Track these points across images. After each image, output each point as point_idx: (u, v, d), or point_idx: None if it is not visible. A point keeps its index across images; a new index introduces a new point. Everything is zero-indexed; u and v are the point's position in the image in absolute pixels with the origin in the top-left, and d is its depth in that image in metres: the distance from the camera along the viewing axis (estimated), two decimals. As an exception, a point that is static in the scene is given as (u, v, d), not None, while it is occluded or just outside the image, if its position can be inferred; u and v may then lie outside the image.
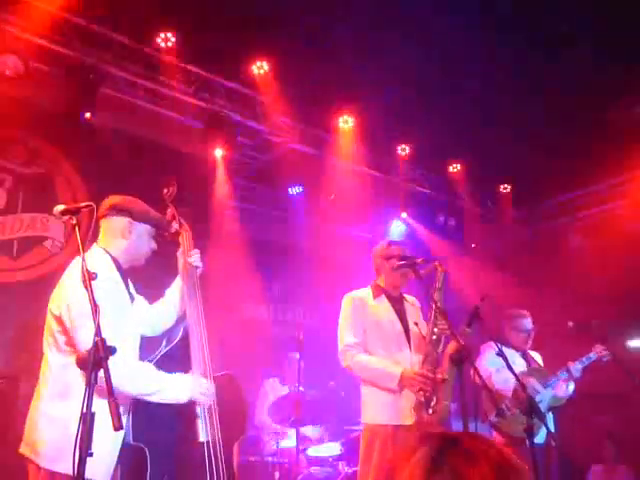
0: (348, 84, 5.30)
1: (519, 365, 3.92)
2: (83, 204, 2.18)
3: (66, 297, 2.30)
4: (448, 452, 0.90)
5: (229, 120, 5.70)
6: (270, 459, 4.94)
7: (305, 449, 5.09)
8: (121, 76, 5.20)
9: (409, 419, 3.10)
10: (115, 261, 2.53)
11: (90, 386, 1.75)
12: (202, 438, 2.40)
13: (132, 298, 2.60)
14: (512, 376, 3.66)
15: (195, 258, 2.76)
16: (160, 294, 2.85)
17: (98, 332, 1.83)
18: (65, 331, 2.29)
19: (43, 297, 2.50)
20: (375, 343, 3.29)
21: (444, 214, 7.41)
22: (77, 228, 2.10)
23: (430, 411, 3.03)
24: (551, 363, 4.19)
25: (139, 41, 5.10)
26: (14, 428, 2.56)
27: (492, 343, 3.89)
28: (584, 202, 7.17)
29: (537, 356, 4.25)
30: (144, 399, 2.34)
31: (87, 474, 1.69)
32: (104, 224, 2.57)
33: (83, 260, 2.01)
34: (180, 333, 2.58)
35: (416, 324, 3.26)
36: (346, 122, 6.21)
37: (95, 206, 2.18)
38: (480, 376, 2.73)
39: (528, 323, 4.14)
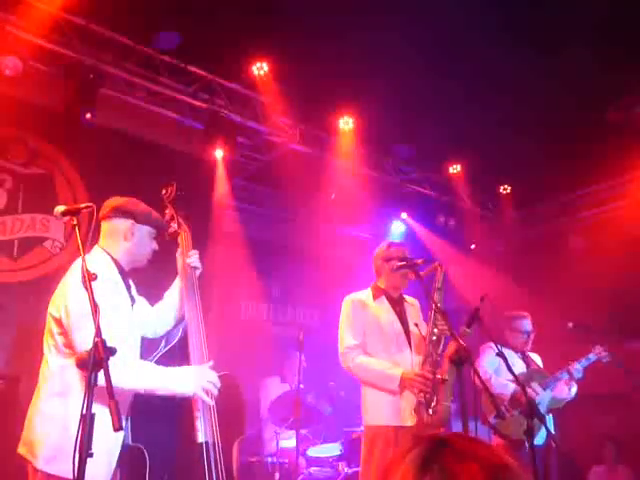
0: (348, 85, 5.30)
1: (518, 367, 3.91)
2: (83, 205, 2.18)
3: (65, 298, 2.30)
4: (438, 453, 0.91)
5: (229, 121, 5.70)
6: (270, 459, 4.94)
7: (305, 450, 5.09)
8: (121, 76, 5.20)
9: (410, 420, 3.10)
10: (116, 262, 2.53)
11: (90, 387, 1.75)
12: (201, 439, 2.39)
13: (133, 300, 2.59)
14: (511, 380, 3.68)
15: (194, 259, 2.75)
16: (160, 294, 2.85)
17: (98, 333, 1.83)
18: (64, 332, 2.29)
19: (43, 298, 2.50)
20: (375, 344, 3.29)
21: (444, 215, 7.41)
22: (77, 229, 2.10)
23: (430, 412, 3.03)
24: (551, 364, 4.19)
25: (139, 41, 5.10)
26: (14, 429, 2.55)
27: (491, 344, 3.89)
28: (584, 203, 7.17)
29: (536, 357, 4.25)
30: (147, 396, 2.33)
31: (86, 475, 1.69)
32: (106, 226, 2.57)
33: (83, 261, 2.01)
34: (179, 334, 2.59)
35: (416, 325, 3.26)
36: (346, 123, 6.21)
37: (95, 207, 2.18)
38: (480, 378, 2.72)
39: (527, 324, 4.14)
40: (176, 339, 2.58)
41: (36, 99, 5.13)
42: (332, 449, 5.13)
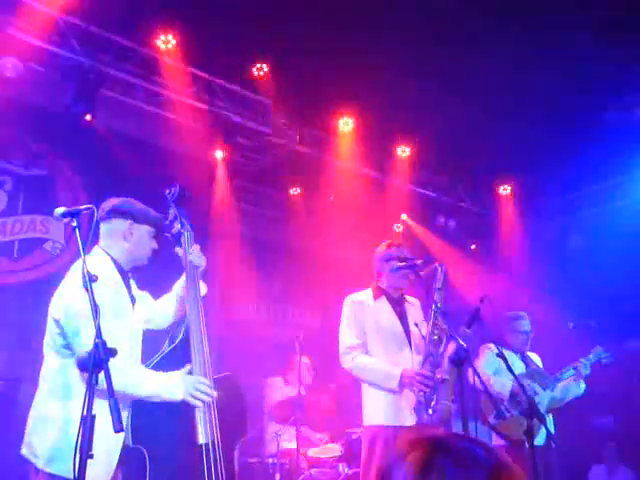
0: (348, 86, 5.31)
1: (518, 367, 3.91)
2: (83, 206, 2.18)
3: (65, 299, 2.31)
4: (438, 455, 0.91)
5: (229, 121, 5.70)
6: (270, 460, 4.94)
7: (306, 450, 5.09)
8: (121, 78, 5.20)
9: (410, 420, 3.10)
10: (116, 263, 2.53)
11: (90, 388, 1.75)
12: (202, 440, 2.39)
13: (133, 300, 2.60)
14: (510, 381, 3.68)
15: (196, 255, 2.75)
16: (162, 294, 2.86)
17: (98, 334, 1.83)
18: (64, 333, 2.30)
19: (43, 299, 2.51)
20: (376, 344, 3.30)
21: (444, 215, 7.41)
22: (77, 230, 2.10)
23: (430, 411, 3.04)
24: (551, 364, 4.19)
25: (139, 43, 5.10)
26: (15, 430, 2.55)
27: (490, 345, 3.89)
28: (584, 202, 7.17)
29: (536, 357, 4.24)
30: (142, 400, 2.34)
31: (87, 476, 1.69)
32: (105, 227, 2.57)
33: (84, 262, 2.01)
34: (182, 333, 2.59)
35: (416, 325, 3.26)
36: (346, 124, 6.22)
37: (95, 208, 2.18)
38: (480, 378, 2.73)
39: (527, 324, 4.14)
40: (179, 339, 2.58)
41: (36, 100, 5.14)
42: (332, 450, 5.13)
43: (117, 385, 2.20)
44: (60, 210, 2.16)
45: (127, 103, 5.43)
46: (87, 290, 1.94)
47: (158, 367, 2.45)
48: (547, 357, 4.31)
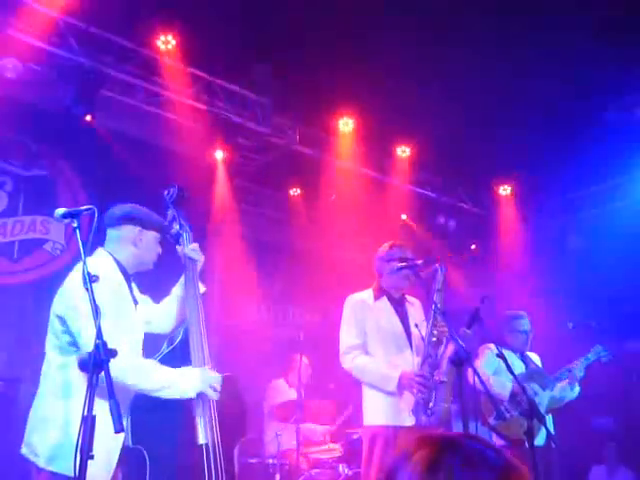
0: (348, 86, 5.30)
1: (518, 367, 3.91)
2: (83, 207, 2.19)
3: (70, 298, 2.32)
4: (446, 454, 0.90)
5: (229, 122, 5.70)
6: (271, 461, 4.94)
7: (306, 451, 5.09)
8: (121, 78, 5.21)
9: (409, 421, 3.10)
10: (120, 266, 2.55)
11: (91, 388, 1.76)
12: (202, 440, 2.40)
13: (136, 302, 2.61)
14: (509, 381, 3.68)
15: (194, 248, 2.76)
16: (161, 295, 2.86)
17: (99, 334, 1.84)
18: (69, 332, 2.31)
19: (43, 299, 2.51)
20: (376, 345, 3.30)
21: (444, 215, 7.41)
22: (78, 231, 2.11)
23: (429, 413, 3.04)
24: (550, 364, 4.19)
25: (139, 43, 5.10)
26: (15, 430, 2.56)
27: (490, 345, 3.90)
28: (584, 203, 7.18)
29: (536, 357, 4.24)
30: (146, 398, 2.34)
31: (86, 476, 1.70)
32: (114, 233, 2.59)
33: (84, 263, 2.02)
34: (181, 334, 2.59)
35: (417, 326, 3.26)
36: (346, 124, 6.22)
37: (96, 209, 2.18)
38: (480, 379, 2.73)
39: (526, 324, 4.14)
40: (178, 340, 2.58)
41: (36, 101, 5.15)
42: (333, 450, 5.14)
43: (129, 378, 2.22)
44: (60, 211, 2.17)
45: (127, 103, 5.43)
46: (87, 290, 1.95)
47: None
48: (547, 357, 4.31)
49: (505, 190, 7.49)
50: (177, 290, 2.82)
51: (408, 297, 3.51)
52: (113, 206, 2.66)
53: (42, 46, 4.74)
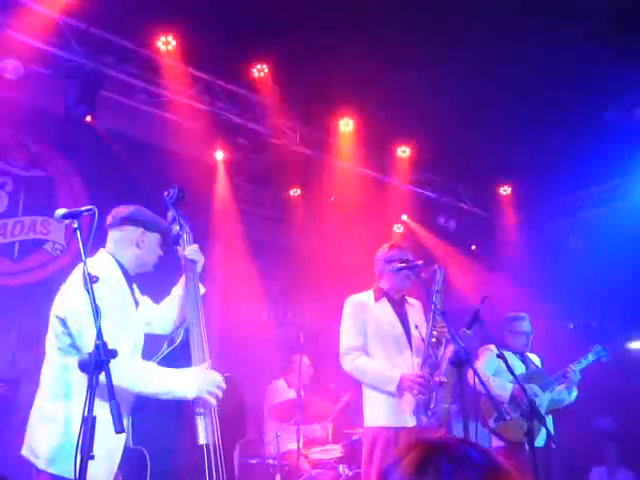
0: (348, 86, 5.31)
1: (518, 368, 3.90)
2: (84, 208, 2.19)
3: (71, 298, 2.32)
4: (434, 457, 0.92)
5: (229, 122, 5.71)
6: (271, 461, 4.94)
7: (306, 452, 5.09)
8: (121, 79, 5.21)
9: (410, 421, 3.11)
10: (122, 267, 2.56)
11: (91, 389, 1.76)
12: (202, 441, 2.40)
13: (137, 303, 2.61)
14: (510, 383, 3.67)
15: (194, 251, 2.77)
16: (160, 296, 2.86)
17: (99, 335, 1.84)
18: (69, 333, 2.31)
19: (44, 300, 2.51)
20: (376, 346, 3.30)
21: (444, 216, 7.41)
22: (78, 232, 2.11)
23: (429, 414, 3.04)
24: (551, 365, 4.19)
25: (139, 44, 5.11)
26: (15, 431, 2.56)
27: (490, 346, 3.90)
28: (585, 203, 7.17)
29: (536, 358, 4.24)
30: (147, 399, 2.34)
31: (88, 477, 1.70)
32: (116, 234, 2.60)
33: (84, 263, 2.02)
34: (182, 335, 2.60)
35: (417, 327, 3.26)
36: (346, 124, 6.22)
37: (96, 210, 2.19)
38: (481, 380, 2.73)
39: (527, 325, 4.14)
40: (178, 340, 2.58)
41: (37, 102, 5.15)
42: (333, 451, 5.14)
43: (126, 382, 2.22)
44: (61, 211, 2.17)
45: (127, 104, 5.44)
46: (88, 291, 1.95)
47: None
48: (547, 358, 4.31)
49: (505, 191, 7.49)
50: (177, 291, 2.83)
51: (408, 298, 3.51)
52: (113, 207, 2.67)
53: (42, 47, 4.74)
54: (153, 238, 2.64)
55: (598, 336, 4.23)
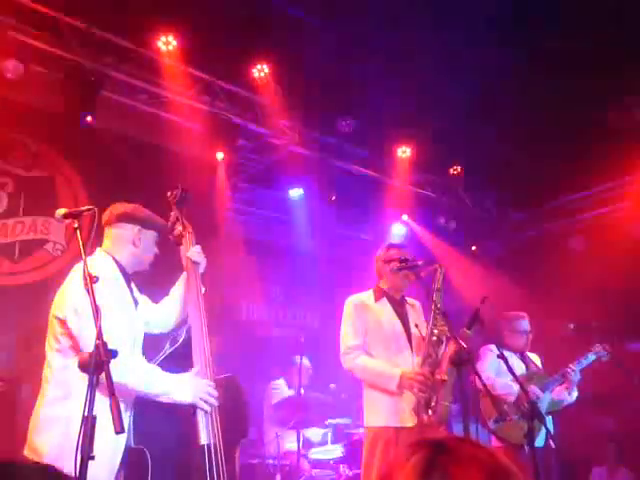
0: (348, 87, 5.31)
1: (518, 368, 3.90)
2: (84, 208, 2.20)
3: (71, 299, 2.32)
4: (438, 458, 0.93)
5: (230, 123, 5.71)
6: (272, 462, 4.94)
7: (307, 452, 5.09)
8: (122, 79, 5.21)
9: (411, 421, 3.11)
10: (119, 265, 2.55)
11: (91, 389, 1.76)
12: (203, 441, 2.40)
13: (136, 303, 2.61)
14: (513, 380, 3.66)
15: (197, 250, 2.77)
16: (161, 295, 2.86)
17: (99, 335, 1.84)
18: (70, 333, 2.31)
19: (44, 300, 2.51)
20: (376, 345, 3.30)
21: (445, 216, 7.41)
22: (78, 231, 2.11)
23: (430, 412, 3.04)
24: (551, 365, 4.19)
25: (140, 44, 5.11)
26: (16, 431, 2.56)
27: (491, 346, 3.89)
28: (585, 204, 7.17)
29: (535, 358, 4.24)
30: (147, 399, 2.35)
31: (89, 477, 1.70)
32: (112, 232, 2.59)
33: (84, 263, 2.02)
34: (184, 334, 2.60)
35: (417, 326, 3.26)
36: (347, 125, 6.22)
37: (96, 210, 2.19)
38: (482, 381, 2.72)
39: (526, 324, 4.14)
40: (180, 340, 2.59)
41: (37, 102, 5.15)
42: (334, 451, 5.14)
43: (131, 382, 2.22)
44: (61, 211, 2.18)
45: (128, 104, 5.44)
46: (87, 291, 1.95)
47: (160, 367, 2.45)
48: (547, 358, 4.31)
49: (506, 191, 7.49)
50: (176, 291, 2.83)
51: (408, 299, 3.52)
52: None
53: (42, 47, 4.74)
54: (150, 236, 2.64)
55: (598, 336, 4.23)
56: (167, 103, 5.52)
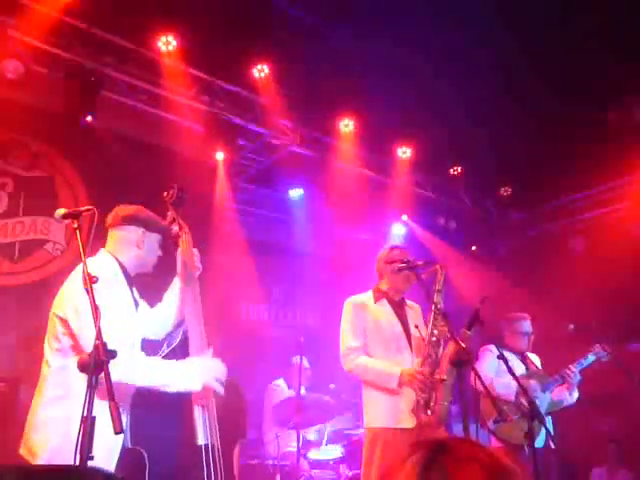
0: (348, 87, 5.31)
1: (518, 368, 3.90)
2: (84, 208, 2.19)
3: (72, 298, 2.32)
4: (438, 458, 0.93)
5: (229, 123, 5.71)
6: (271, 462, 4.94)
7: (306, 452, 5.09)
8: (122, 79, 5.21)
9: (410, 422, 3.10)
10: (122, 266, 2.56)
11: (91, 389, 1.76)
12: (201, 441, 2.40)
13: (136, 304, 2.61)
14: (513, 381, 3.66)
15: (195, 255, 2.78)
16: (157, 294, 2.86)
17: (99, 335, 1.84)
18: (70, 333, 2.31)
19: (44, 300, 2.51)
20: (376, 346, 3.30)
21: (445, 216, 7.41)
22: (78, 231, 2.11)
23: (429, 412, 3.04)
24: (551, 366, 4.19)
25: (140, 44, 5.11)
26: (15, 430, 2.56)
27: (491, 347, 3.89)
28: (585, 204, 7.17)
29: (536, 359, 4.23)
30: (147, 397, 2.34)
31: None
32: (116, 234, 2.60)
33: (84, 263, 2.02)
34: (180, 336, 2.59)
35: (417, 327, 3.26)
36: (347, 125, 6.22)
37: (96, 210, 2.19)
38: (482, 381, 2.72)
39: (527, 326, 4.13)
40: (177, 341, 2.58)
41: (37, 102, 5.15)
42: (333, 451, 5.13)
43: (134, 378, 2.23)
44: (61, 211, 2.18)
45: (128, 104, 5.43)
46: (87, 292, 1.95)
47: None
48: (547, 358, 4.30)
49: (506, 191, 7.49)
50: (169, 297, 2.82)
51: (408, 301, 3.52)
52: (113, 207, 2.67)
53: (43, 47, 4.74)
54: (153, 238, 2.65)
55: (598, 337, 4.23)
56: (167, 103, 5.52)
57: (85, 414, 1.72)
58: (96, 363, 1.79)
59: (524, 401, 3.35)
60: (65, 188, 5.53)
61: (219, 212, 6.25)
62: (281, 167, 6.47)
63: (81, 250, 2.07)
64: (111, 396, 1.74)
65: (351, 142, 6.34)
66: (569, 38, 4.78)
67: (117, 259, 2.55)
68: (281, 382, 5.69)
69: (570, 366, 3.96)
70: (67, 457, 1.72)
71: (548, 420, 3.90)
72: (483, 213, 7.79)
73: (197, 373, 2.39)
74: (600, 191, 6.97)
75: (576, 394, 4.02)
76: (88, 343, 2.16)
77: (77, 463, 1.69)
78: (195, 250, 2.82)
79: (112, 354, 1.83)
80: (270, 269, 6.91)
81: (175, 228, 2.82)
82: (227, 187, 6.30)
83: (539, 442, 3.47)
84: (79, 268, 2.37)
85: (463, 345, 2.73)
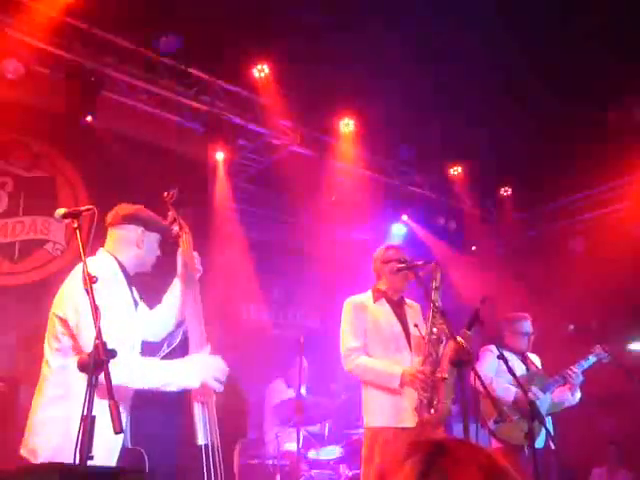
0: (349, 87, 5.31)
1: (518, 368, 3.89)
2: (84, 207, 2.19)
3: (72, 298, 2.31)
4: (437, 459, 0.93)
5: (230, 123, 5.71)
6: (271, 462, 4.94)
7: (306, 452, 5.09)
8: (122, 79, 5.21)
9: (410, 421, 3.10)
10: (121, 266, 2.56)
11: (90, 389, 1.76)
12: (201, 441, 2.39)
13: (136, 304, 2.61)
14: (512, 385, 3.66)
15: (195, 256, 2.78)
16: (156, 295, 2.85)
17: (99, 335, 1.84)
18: (70, 333, 2.30)
19: (44, 300, 2.51)
20: (376, 346, 3.30)
21: (444, 216, 7.42)
22: (78, 231, 2.11)
23: (432, 411, 3.03)
24: (551, 366, 4.19)
25: (140, 44, 5.11)
26: (15, 430, 2.56)
27: (491, 347, 3.89)
28: (585, 204, 7.17)
29: (536, 359, 4.23)
30: (147, 397, 2.34)
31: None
32: (116, 233, 2.59)
33: (84, 263, 2.02)
34: (180, 336, 2.59)
35: (416, 326, 3.26)
36: (347, 125, 6.22)
37: (96, 210, 2.19)
38: (482, 381, 2.72)
39: (528, 326, 4.13)
40: (177, 341, 2.58)
41: (38, 102, 5.15)
42: (333, 451, 5.13)
43: (132, 379, 2.22)
44: (61, 211, 2.18)
45: (128, 104, 5.44)
46: (87, 292, 1.95)
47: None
48: (547, 359, 4.30)
49: (506, 192, 7.50)
50: (169, 298, 2.81)
51: (407, 300, 3.51)
52: (113, 207, 2.66)
53: (43, 47, 4.75)
54: (153, 238, 2.64)
55: (598, 337, 4.23)
56: (167, 103, 5.52)
57: (85, 414, 1.72)
58: (96, 363, 1.79)
59: (524, 402, 3.34)
60: (65, 188, 5.53)
61: (219, 212, 6.25)
62: (281, 167, 6.47)
63: (81, 250, 2.07)
64: (111, 395, 1.74)
65: (351, 142, 6.34)
66: (569, 38, 4.78)
67: (116, 258, 2.55)
68: (281, 382, 5.70)
69: (571, 367, 3.95)
70: (68, 457, 1.72)
71: (548, 421, 3.90)
72: (483, 213, 7.79)
73: (195, 370, 2.38)
74: (600, 191, 6.97)
75: (578, 395, 4.02)
76: (88, 343, 2.16)
77: (77, 463, 1.69)
78: (195, 253, 2.81)
79: (112, 353, 1.83)
80: (270, 269, 6.91)
81: (175, 228, 2.82)
82: (227, 187, 6.30)
83: (539, 443, 3.47)
84: (79, 268, 2.37)
85: (462, 342, 2.72)
